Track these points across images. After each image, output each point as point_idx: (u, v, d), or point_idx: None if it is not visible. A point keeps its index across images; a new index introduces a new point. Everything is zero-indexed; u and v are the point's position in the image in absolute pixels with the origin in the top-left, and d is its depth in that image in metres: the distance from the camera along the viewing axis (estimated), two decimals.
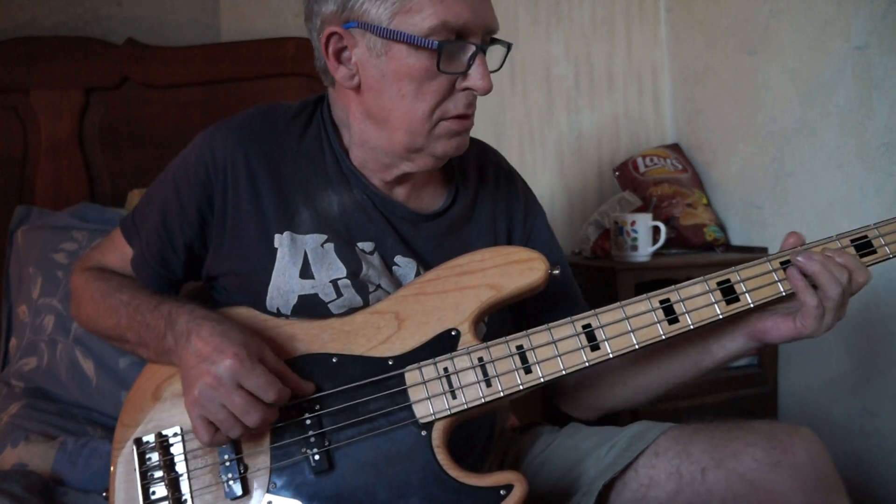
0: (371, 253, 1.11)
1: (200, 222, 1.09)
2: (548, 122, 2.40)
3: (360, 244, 1.10)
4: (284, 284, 1.06)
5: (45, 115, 1.85)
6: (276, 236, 1.07)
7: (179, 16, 2.04)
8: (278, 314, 1.06)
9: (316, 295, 1.06)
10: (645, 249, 1.99)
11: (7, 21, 1.90)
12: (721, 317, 1.00)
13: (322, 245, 1.08)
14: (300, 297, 1.06)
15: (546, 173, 2.39)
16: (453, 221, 1.17)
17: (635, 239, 1.98)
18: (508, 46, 1.08)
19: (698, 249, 2.18)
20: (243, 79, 1.99)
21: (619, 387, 1.17)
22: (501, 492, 0.92)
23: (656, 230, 2.01)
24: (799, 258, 1.00)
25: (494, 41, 1.06)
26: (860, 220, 1.78)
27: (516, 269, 1.00)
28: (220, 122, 1.12)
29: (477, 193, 1.21)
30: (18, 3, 1.91)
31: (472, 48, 1.01)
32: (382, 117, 1.05)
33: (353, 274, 1.08)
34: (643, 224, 1.99)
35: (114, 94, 1.91)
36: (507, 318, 1.17)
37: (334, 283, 1.07)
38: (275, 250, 1.07)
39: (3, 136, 1.84)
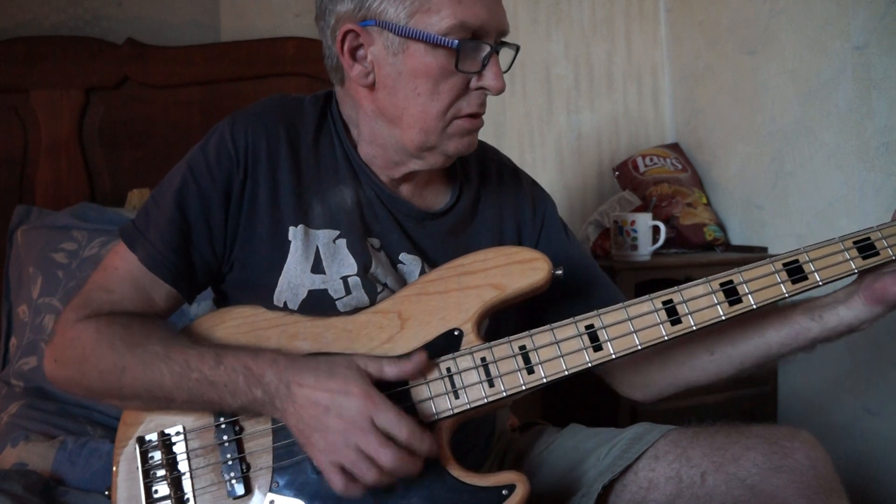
0: (378, 250, 1.11)
1: (224, 213, 1.06)
2: (548, 122, 2.40)
3: (369, 239, 1.10)
4: (296, 278, 1.06)
5: (45, 115, 1.85)
6: (291, 229, 1.07)
7: (179, 16, 2.05)
8: (284, 309, 1.05)
9: (326, 291, 1.06)
10: (645, 249, 1.99)
11: (7, 21, 1.90)
12: (724, 318, 0.99)
13: (334, 241, 1.08)
14: (310, 292, 1.06)
15: (546, 173, 2.39)
16: (458, 220, 1.17)
17: (635, 238, 1.98)
18: (517, 49, 1.09)
19: (698, 249, 2.18)
20: (243, 79, 2.00)
21: (703, 357, 1.11)
22: (504, 492, 0.92)
23: (656, 230, 2.01)
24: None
25: (504, 44, 1.07)
26: (860, 220, 1.79)
27: (519, 269, 1.00)
28: (235, 113, 1.09)
29: (479, 192, 1.21)
30: (18, 3, 1.92)
31: (487, 48, 1.02)
32: (396, 115, 1.05)
33: (364, 269, 1.08)
34: (643, 223, 1.99)
35: (114, 94, 1.91)
36: (511, 315, 1.17)
37: (345, 279, 1.07)
38: (288, 243, 1.07)
39: (3, 136, 1.84)
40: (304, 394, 0.90)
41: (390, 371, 0.93)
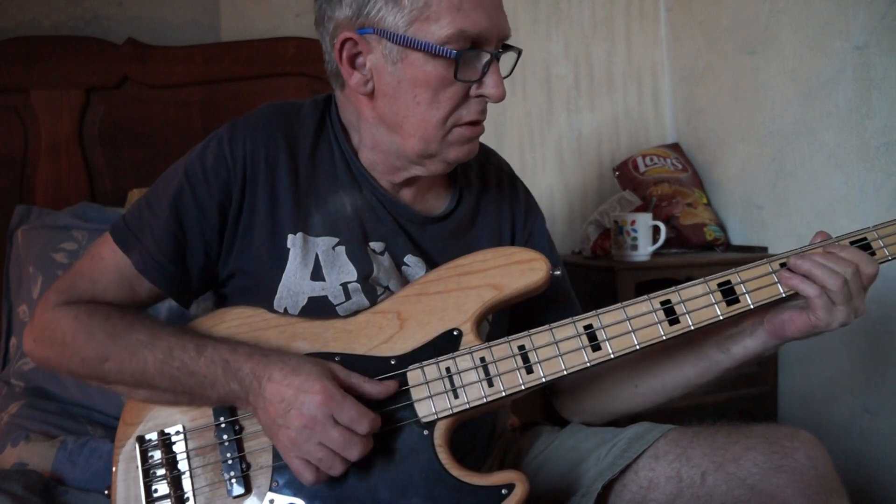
0: (381, 253, 1.11)
1: (220, 223, 1.06)
2: (548, 122, 2.40)
3: (371, 244, 1.10)
4: (295, 286, 1.06)
5: (46, 115, 1.85)
6: (290, 237, 1.07)
7: (179, 16, 2.05)
8: (285, 314, 1.05)
9: (326, 297, 1.06)
10: (645, 249, 1.99)
11: (7, 21, 1.91)
12: (721, 318, 1.00)
13: (333, 248, 1.08)
14: (310, 298, 1.06)
15: (546, 173, 2.40)
16: (458, 224, 1.18)
17: (635, 238, 1.98)
18: (519, 52, 1.09)
19: (698, 249, 2.18)
20: (243, 78, 2.00)
21: (629, 389, 1.16)
22: (503, 491, 0.93)
23: (656, 230, 2.01)
24: (791, 260, 1.01)
25: (506, 47, 1.07)
26: (860, 220, 1.79)
27: (518, 270, 1.00)
28: (234, 122, 1.09)
29: (479, 197, 1.22)
30: (18, 3, 1.92)
31: (487, 56, 1.02)
32: (396, 123, 1.05)
33: (364, 277, 1.08)
34: (643, 223, 1.99)
35: (114, 94, 1.91)
36: (505, 318, 1.17)
37: (344, 286, 1.07)
38: (287, 251, 1.07)
39: (3, 136, 1.84)
40: (271, 389, 0.91)
41: (357, 384, 0.94)
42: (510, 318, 1.18)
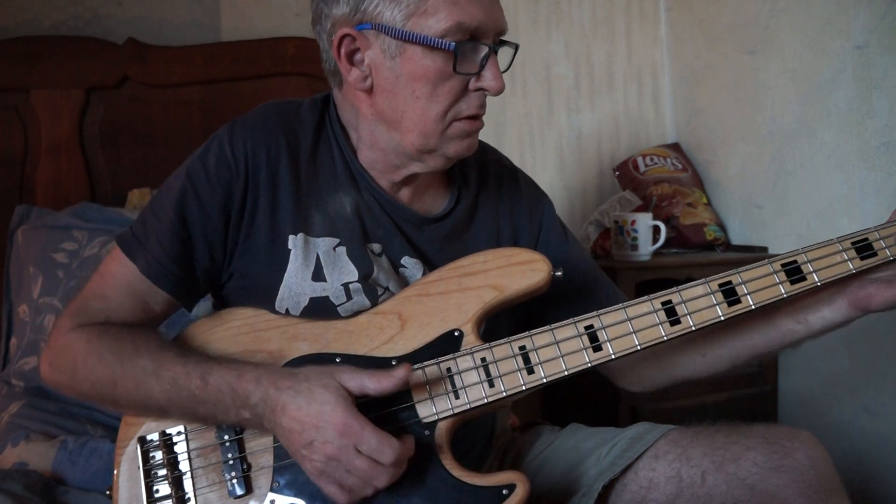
0: (379, 255, 1.11)
1: (224, 224, 1.06)
2: (548, 122, 2.40)
3: (369, 245, 1.10)
4: (296, 286, 1.06)
5: (46, 115, 1.86)
6: (290, 237, 1.07)
7: (180, 15, 2.05)
8: (286, 315, 1.05)
9: (327, 298, 1.06)
10: (645, 249, 1.99)
11: (7, 21, 1.91)
12: (722, 318, 1.00)
13: (334, 249, 1.08)
14: (311, 299, 1.06)
15: (546, 173, 2.40)
16: (456, 224, 1.17)
17: (635, 238, 1.98)
18: (516, 48, 1.09)
19: (698, 249, 2.18)
20: (243, 78, 2.00)
21: (696, 359, 1.14)
22: (504, 491, 0.93)
23: (656, 229, 2.01)
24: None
25: (503, 42, 1.07)
26: (860, 220, 1.79)
27: (518, 271, 1.00)
28: (234, 122, 1.09)
29: (478, 196, 1.21)
30: (18, 3, 1.92)
31: (485, 49, 1.02)
32: (395, 119, 1.05)
33: (365, 277, 1.08)
34: (643, 223, 1.99)
35: (114, 94, 1.91)
36: (504, 317, 1.16)
37: (345, 286, 1.07)
38: (288, 251, 1.06)
39: (3, 136, 1.84)
40: (287, 421, 0.90)
41: (371, 386, 0.92)
42: (524, 312, 1.16)
